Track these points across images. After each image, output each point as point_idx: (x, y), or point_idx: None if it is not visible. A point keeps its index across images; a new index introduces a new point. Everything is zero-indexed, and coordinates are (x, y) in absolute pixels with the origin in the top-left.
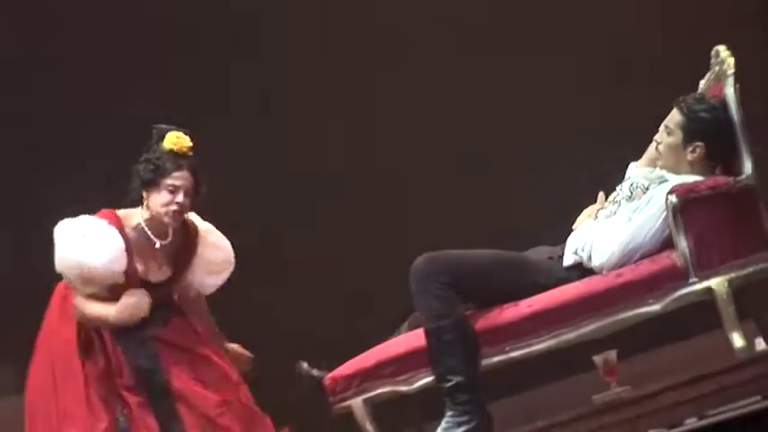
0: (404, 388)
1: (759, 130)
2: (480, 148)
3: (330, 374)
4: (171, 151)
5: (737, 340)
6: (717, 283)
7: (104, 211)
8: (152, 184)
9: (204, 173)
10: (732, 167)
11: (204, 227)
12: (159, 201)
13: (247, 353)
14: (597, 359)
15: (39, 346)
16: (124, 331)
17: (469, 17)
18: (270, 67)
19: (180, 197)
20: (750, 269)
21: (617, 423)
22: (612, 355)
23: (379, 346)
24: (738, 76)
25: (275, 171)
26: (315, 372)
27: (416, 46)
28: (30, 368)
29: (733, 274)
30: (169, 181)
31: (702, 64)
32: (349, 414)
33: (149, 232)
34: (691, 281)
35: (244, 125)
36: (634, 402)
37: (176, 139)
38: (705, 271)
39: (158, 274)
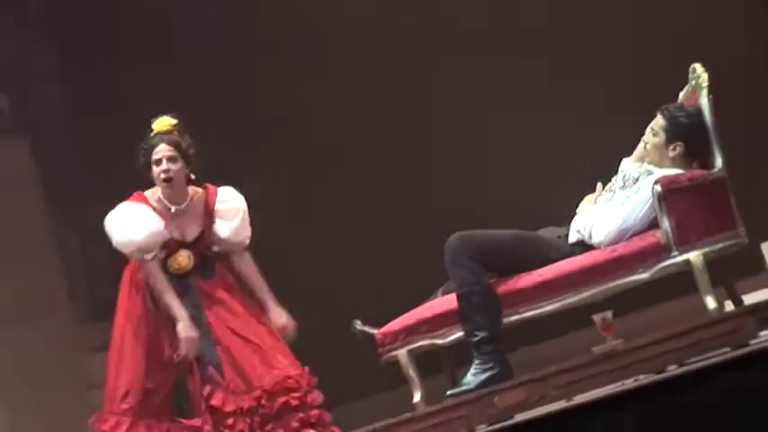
0: (439, 341)
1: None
2: (503, 148)
3: (380, 330)
4: (154, 133)
5: (710, 302)
6: (694, 256)
7: (134, 194)
8: (147, 163)
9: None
10: (706, 163)
11: (221, 189)
12: (154, 174)
13: (290, 320)
14: (596, 318)
15: (117, 311)
16: (175, 282)
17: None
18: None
19: (164, 165)
20: (721, 245)
21: (613, 370)
22: (609, 314)
23: (419, 308)
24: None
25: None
26: (367, 329)
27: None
28: (112, 329)
29: (707, 249)
30: (154, 156)
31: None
32: (395, 363)
33: (166, 202)
34: (672, 254)
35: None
36: (627, 353)
37: (158, 121)
38: (684, 246)
39: (188, 233)
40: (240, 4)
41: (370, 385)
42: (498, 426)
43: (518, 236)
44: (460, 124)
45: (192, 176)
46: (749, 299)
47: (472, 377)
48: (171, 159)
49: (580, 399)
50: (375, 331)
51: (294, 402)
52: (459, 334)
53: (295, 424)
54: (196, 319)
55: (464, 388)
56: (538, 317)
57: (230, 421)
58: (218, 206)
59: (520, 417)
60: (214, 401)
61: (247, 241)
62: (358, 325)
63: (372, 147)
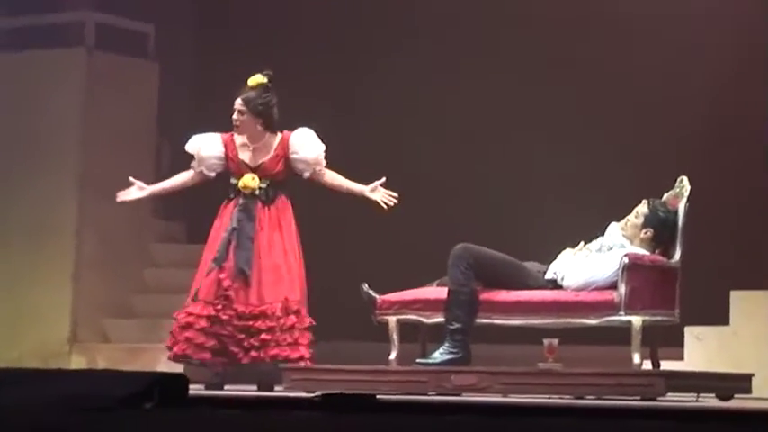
0: (424, 320)
1: None
2: (510, 191)
3: (382, 297)
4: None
5: (636, 357)
6: (635, 319)
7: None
8: None
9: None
10: (667, 252)
11: (295, 132)
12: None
13: (373, 187)
14: (545, 341)
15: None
16: (243, 199)
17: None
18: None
19: (234, 115)
20: (658, 317)
21: (547, 384)
22: (555, 341)
23: (417, 290)
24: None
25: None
26: (372, 292)
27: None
28: None
29: (646, 317)
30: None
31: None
32: (385, 324)
33: (244, 139)
34: (619, 313)
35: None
36: (560, 375)
37: (251, 78)
38: (630, 310)
39: (256, 161)
40: None
41: (360, 333)
42: (446, 398)
43: (508, 260)
44: (502, 158)
45: (259, 127)
46: (665, 365)
47: (439, 355)
48: (240, 112)
49: (513, 398)
50: (377, 296)
51: (262, 326)
52: (441, 319)
53: (259, 341)
54: (247, 232)
55: (431, 361)
56: (504, 326)
57: (231, 313)
58: (291, 140)
59: (466, 396)
60: (228, 291)
61: (320, 161)
62: (365, 287)
63: (412, 147)
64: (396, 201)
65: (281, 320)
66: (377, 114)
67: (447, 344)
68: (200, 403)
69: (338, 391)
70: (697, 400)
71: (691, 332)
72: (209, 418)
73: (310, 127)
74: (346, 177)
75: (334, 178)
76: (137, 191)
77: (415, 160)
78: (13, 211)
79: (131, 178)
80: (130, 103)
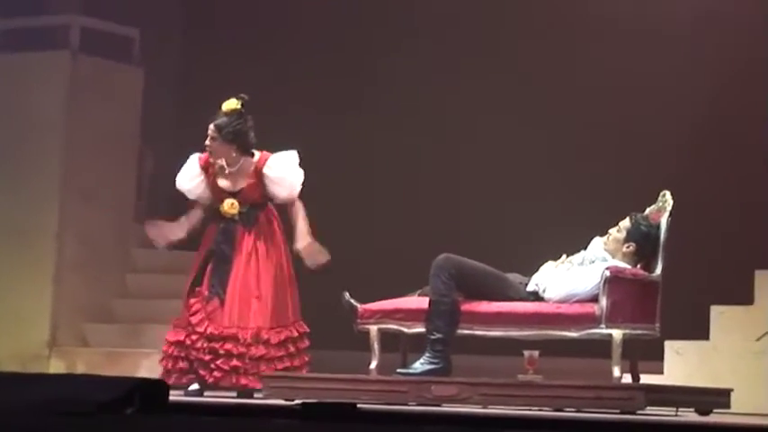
0: (405, 330)
1: None
2: (493, 202)
3: (363, 306)
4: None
5: (616, 371)
6: (616, 333)
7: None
8: None
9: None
10: (649, 267)
11: (273, 156)
12: None
13: (309, 246)
14: (526, 353)
15: None
16: (224, 224)
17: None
18: None
19: (207, 141)
20: (639, 331)
21: (527, 396)
22: (536, 353)
23: (398, 299)
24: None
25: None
26: (353, 301)
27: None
28: None
29: (627, 331)
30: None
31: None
32: (366, 333)
33: (223, 163)
34: (600, 326)
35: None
36: (541, 387)
37: (225, 103)
38: (611, 323)
39: (235, 186)
40: None
41: (341, 342)
42: (426, 408)
43: (490, 272)
44: (482, 174)
45: (234, 153)
46: (645, 378)
47: (420, 365)
48: (212, 138)
49: (493, 409)
50: (359, 305)
51: (233, 350)
52: (422, 330)
53: (228, 366)
54: (226, 255)
55: (411, 371)
56: (485, 337)
57: (194, 337)
58: (265, 170)
59: (446, 407)
60: (192, 318)
61: (293, 195)
62: (347, 296)
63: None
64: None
65: (251, 349)
66: (363, 126)
67: (428, 354)
68: (181, 409)
69: (318, 400)
70: (676, 415)
71: (671, 346)
72: (190, 424)
73: (293, 134)
74: (331, 188)
75: (296, 212)
76: (175, 231)
77: (397, 170)
78: None
79: (157, 228)
80: (114, 108)
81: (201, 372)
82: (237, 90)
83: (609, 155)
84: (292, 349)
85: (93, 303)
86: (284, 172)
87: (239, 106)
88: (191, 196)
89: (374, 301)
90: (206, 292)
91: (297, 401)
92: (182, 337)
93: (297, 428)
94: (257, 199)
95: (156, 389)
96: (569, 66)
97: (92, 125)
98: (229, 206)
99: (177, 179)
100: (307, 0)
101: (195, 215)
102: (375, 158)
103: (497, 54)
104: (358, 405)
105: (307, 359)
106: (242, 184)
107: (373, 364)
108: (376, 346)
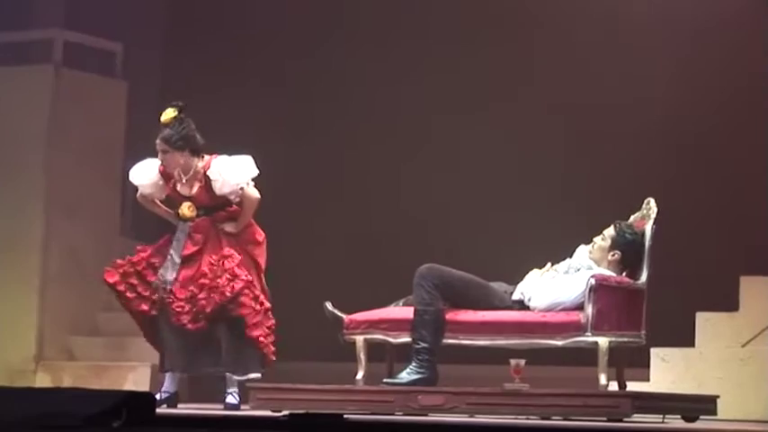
0: (391, 340)
1: None
2: (477, 212)
3: (348, 317)
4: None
5: (603, 378)
6: (602, 340)
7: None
8: None
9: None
10: (634, 274)
11: (215, 159)
12: None
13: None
14: (512, 361)
15: None
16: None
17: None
18: None
19: (159, 156)
20: (625, 339)
21: (513, 404)
22: (522, 361)
23: (383, 309)
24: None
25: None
26: (337, 312)
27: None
28: None
29: (613, 338)
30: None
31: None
32: (353, 344)
33: (181, 173)
34: (586, 334)
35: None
36: (527, 396)
37: (163, 113)
38: (597, 331)
39: (189, 191)
40: None
41: (327, 353)
42: (413, 418)
43: (474, 281)
44: (463, 183)
45: (186, 157)
46: (632, 386)
47: (406, 375)
48: (163, 152)
49: (480, 418)
50: (344, 316)
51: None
52: (407, 339)
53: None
54: (177, 252)
55: (397, 381)
56: (471, 346)
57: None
58: (208, 173)
59: (432, 416)
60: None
61: (237, 191)
62: (329, 306)
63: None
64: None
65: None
66: (344, 132)
67: (414, 364)
68: (167, 422)
69: (305, 411)
70: (663, 422)
71: (657, 353)
72: None
73: (274, 144)
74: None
75: (243, 208)
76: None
77: (381, 179)
78: None
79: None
80: (97, 121)
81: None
82: (221, 103)
83: (593, 163)
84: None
85: (79, 317)
86: (224, 170)
87: (177, 113)
88: (144, 192)
89: (358, 311)
90: (152, 279)
91: (284, 413)
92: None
93: None
94: (209, 202)
95: (143, 402)
96: (554, 76)
97: (75, 139)
98: (187, 209)
99: (132, 174)
100: (290, 10)
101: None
102: (358, 168)
103: (482, 62)
104: (345, 415)
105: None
106: (195, 188)
107: (360, 375)
108: (362, 356)
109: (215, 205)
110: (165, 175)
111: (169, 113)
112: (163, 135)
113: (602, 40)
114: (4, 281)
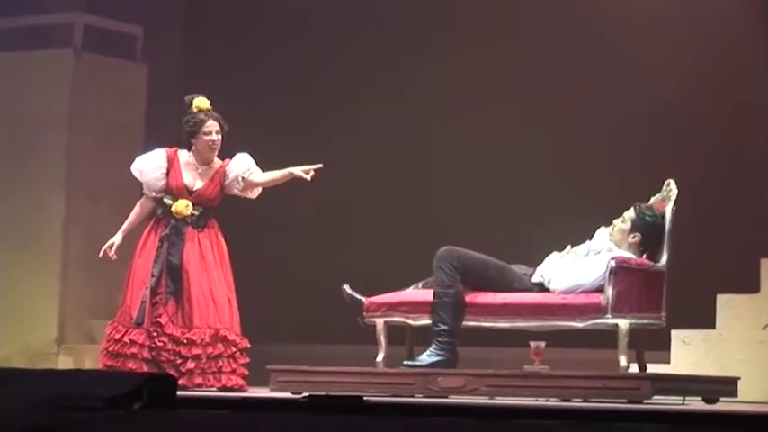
0: (411, 322)
1: None
2: (497, 194)
3: (368, 299)
4: (200, 110)
5: (623, 361)
6: (622, 322)
7: (172, 147)
8: (193, 132)
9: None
10: (654, 256)
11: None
12: (203, 141)
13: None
14: (532, 344)
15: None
16: (174, 223)
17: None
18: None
19: (214, 137)
20: (645, 321)
21: (533, 386)
22: (542, 344)
23: (403, 292)
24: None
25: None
26: (356, 294)
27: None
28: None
29: (633, 321)
30: (206, 129)
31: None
32: (372, 326)
33: (195, 162)
34: (606, 316)
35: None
36: (547, 378)
37: (200, 101)
38: (617, 313)
39: (194, 185)
40: None
41: (347, 336)
42: (433, 400)
43: (494, 262)
44: (482, 170)
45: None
46: (652, 368)
47: (426, 357)
48: (218, 133)
49: (500, 400)
50: (363, 299)
51: (187, 354)
52: (427, 321)
53: (185, 369)
54: (177, 257)
55: (417, 363)
56: (491, 329)
57: (164, 339)
58: (227, 169)
59: (453, 398)
60: (160, 319)
61: (248, 169)
62: (348, 289)
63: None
64: (316, 170)
65: (209, 348)
66: (367, 120)
67: (434, 346)
68: (188, 404)
69: (325, 393)
70: (683, 403)
71: (677, 335)
72: (197, 418)
73: (295, 130)
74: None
75: (264, 175)
76: (117, 240)
77: (400, 162)
78: None
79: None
80: (118, 105)
81: (172, 372)
82: (241, 86)
83: (613, 145)
84: (238, 355)
85: (100, 300)
86: (240, 160)
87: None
88: (143, 179)
89: (377, 293)
90: (164, 293)
91: (304, 394)
92: (153, 342)
93: (304, 421)
94: (212, 201)
95: (164, 383)
96: (571, 60)
97: (96, 123)
98: (183, 206)
99: (138, 162)
100: None
101: (148, 206)
102: (379, 151)
103: (498, 49)
104: (365, 398)
105: (246, 373)
106: (201, 184)
107: (380, 357)
108: (382, 338)
109: (211, 207)
110: (172, 161)
111: (206, 101)
112: (215, 116)
113: (620, 26)
114: (26, 265)
